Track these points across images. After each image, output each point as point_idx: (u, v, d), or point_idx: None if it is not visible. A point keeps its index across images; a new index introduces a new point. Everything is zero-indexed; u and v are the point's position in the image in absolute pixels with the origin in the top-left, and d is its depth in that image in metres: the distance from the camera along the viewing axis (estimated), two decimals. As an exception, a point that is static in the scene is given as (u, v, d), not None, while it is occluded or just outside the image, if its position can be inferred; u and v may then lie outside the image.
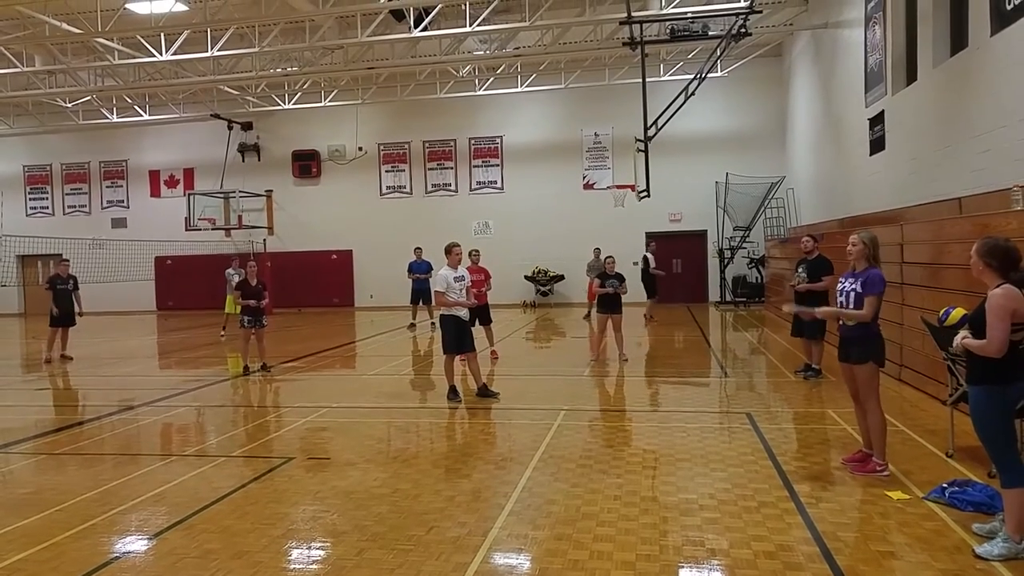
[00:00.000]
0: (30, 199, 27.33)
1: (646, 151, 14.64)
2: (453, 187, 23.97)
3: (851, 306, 5.60)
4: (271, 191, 24.95)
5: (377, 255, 23.74)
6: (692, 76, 15.65)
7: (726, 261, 21.05)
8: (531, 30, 16.05)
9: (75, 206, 27.04)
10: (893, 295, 9.06)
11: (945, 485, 5.12)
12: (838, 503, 5.13)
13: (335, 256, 24.68)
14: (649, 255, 18.33)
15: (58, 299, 13.96)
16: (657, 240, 20.15)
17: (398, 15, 16.02)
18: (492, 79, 21.33)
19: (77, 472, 6.65)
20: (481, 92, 21.72)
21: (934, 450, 6.27)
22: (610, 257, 11.94)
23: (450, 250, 9.01)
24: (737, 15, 13.80)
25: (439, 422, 8.16)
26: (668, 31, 15.19)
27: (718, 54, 15.61)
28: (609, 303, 11.47)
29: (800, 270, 9.55)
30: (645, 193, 14.96)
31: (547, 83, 21.41)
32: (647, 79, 15.06)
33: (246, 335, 11.73)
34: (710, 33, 14.81)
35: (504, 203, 23.46)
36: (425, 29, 15.58)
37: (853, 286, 5.63)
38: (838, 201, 13.98)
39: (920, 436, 6.72)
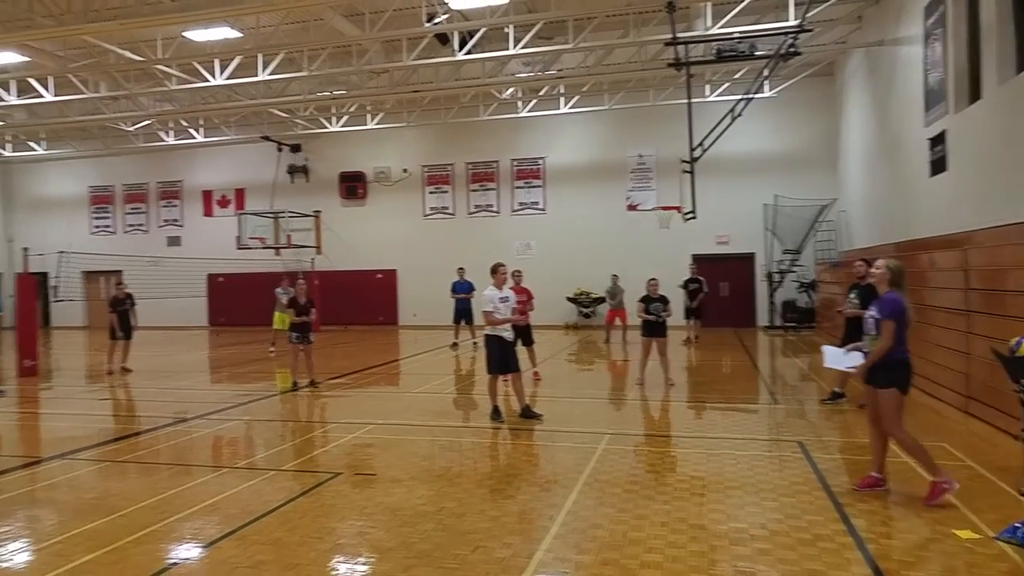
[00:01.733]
0: (94, 218, 28.36)
1: (692, 172, 14.57)
2: (495, 208, 24.16)
3: (873, 332, 5.73)
4: (319, 212, 25.46)
5: (420, 275, 24.00)
6: (739, 97, 15.54)
7: (775, 285, 20.71)
8: (574, 52, 16.17)
9: (134, 225, 27.97)
10: (957, 322, 8.82)
11: (1018, 524, 4.87)
12: (901, 540, 4.98)
13: (380, 276, 25.03)
14: (701, 279, 18.10)
15: (120, 319, 14.63)
16: (704, 263, 19.93)
17: (443, 39, 16.31)
18: (535, 101, 21.51)
19: (137, 480, 6.90)
20: (524, 114, 21.92)
21: (1005, 487, 6.00)
22: (654, 279, 11.70)
23: (496, 270, 9.11)
24: (786, 34, 13.63)
25: (482, 442, 8.22)
26: (714, 51, 15.09)
27: (766, 74, 15.48)
28: (652, 327, 11.40)
29: (852, 295, 9.37)
30: (691, 215, 14.87)
31: (590, 104, 21.50)
32: (693, 100, 15.03)
33: (295, 351, 12.01)
34: (758, 53, 14.64)
35: (546, 224, 23.55)
36: (469, 52, 15.84)
37: (872, 312, 5.78)
38: (895, 224, 13.63)
39: (990, 473, 6.44)
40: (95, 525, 5.48)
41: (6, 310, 12.41)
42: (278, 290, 17.64)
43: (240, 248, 24.22)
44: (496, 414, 8.98)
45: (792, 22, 13.56)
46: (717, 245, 21.84)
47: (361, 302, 24.79)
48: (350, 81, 19.15)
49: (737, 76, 19.36)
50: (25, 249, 15.46)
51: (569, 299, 22.59)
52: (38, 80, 18.19)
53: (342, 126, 23.20)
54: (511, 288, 9.52)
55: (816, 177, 20.50)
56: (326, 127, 23.25)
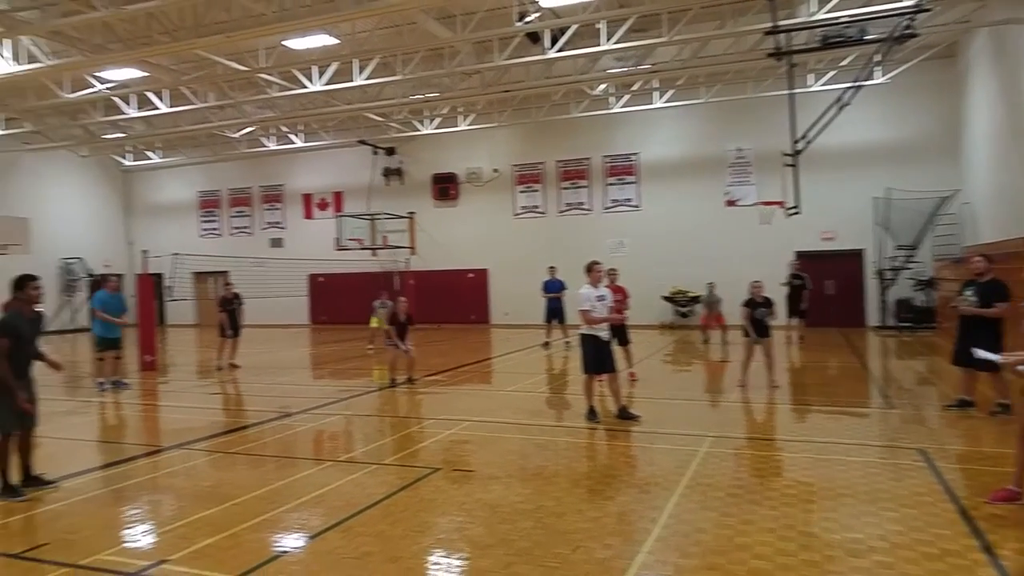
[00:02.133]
0: (202, 221, 29.93)
1: (795, 166, 13.97)
2: (587, 206, 24.00)
3: None
4: (413, 213, 25.96)
5: (512, 274, 24.12)
6: (847, 85, 14.72)
7: (887, 283, 19.62)
8: (669, 45, 15.82)
9: (239, 227, 29.33)
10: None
11: None
12: (1040, 558, 4.56)
13: (471, 275, 25.31)
14: (805, 277, 17.36)
15: (229, 318, 15.33)
16: (808, 260, 19.17)
17: (534, 37, 16.28)
18: (628, 96, 21.21)
19: (247, 470, 7.21)
20: (616, 110, 21.66)
21: None
22: (757, 282, 11.21)
23: (591, 268, 8.97)
24: (902, 15, 12.69)
25: (578, 442, 8.14)
26: (819, 38, 14.38)
27: (877, 59, 14.59)
28: (757, 328, 11.02)
29: (968, 292, 8.73)
30: (795, 210, 14.25)
31: (685, 98, 21.02)
32: (795, 90, 14.41)
33: (395, 351, 12.29)
34: (868, 37, 13.76)
35: (640, 221, 23.20)
36: (561, 50, 15.77)
37: None
38: (1032, 215, 12.62)
39: None
40: (212, 512, 5.74)
41: (128, 309, 13.39)
42: (376, 303, 18.00)
43: (339, 249, 24.96)
44: (592, 414, 8.87)
45: (909, 1, 12.66)
46: (822, 242, 20.90)
47: (453, 301, 25.14)
48: (442, 83, 19.42)
49: (844, 63, 18.46)
50: (144, 251, 16.40)
51: (665, 298, 22.19)
52: (154, 93, 19.32)
53: (435, 128, 23.59)
54: (606, 287, 9.36)
55: (933, 168, 19.33)
56: (419, 129, 23.69)
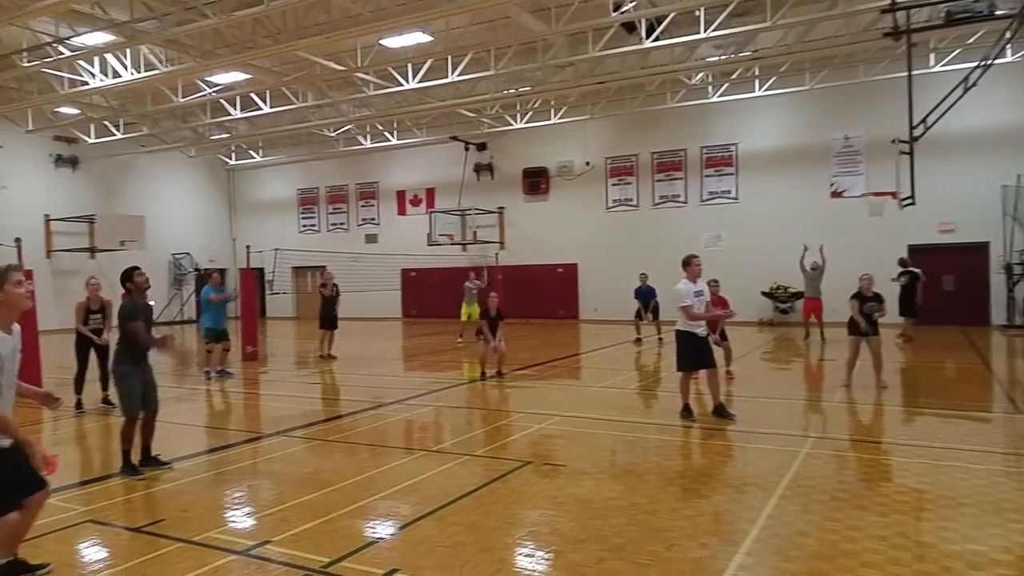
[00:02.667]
0: (302, 218, 31.05)
1: (911, 153, 13.12)
2: (683, 198, 23.48)
3: None
4: (503, 207, 26.13)
5: (602, 268, 23.90)
6: (973, 64, 13.66)
7: (1016, 278, 18.27)
8: (772, 30, 15.22)
9: (336, 223, 30.27)
10: None
11: None
12: None
13: (561, 270, 25.22)
14: (918, 271, 16.36)
15: (326, 306, 15.91)
16: (923, 254, 18.09)
17: (629, 27, 16.04)
18: (726, 85, 20.61)
19: (344, 458, 7.40)
20: (715, 99, 21.09)
21: None
22: (867, 275, 10.67)
23: (689, 262, 8.63)
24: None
25: (672, 439, 7.95)
26: (943, 15, 13.40)
27: (1008, 36, 13.52)
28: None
29: None
30: (909, 201, 13.38)
31: (789, 85, 20.17)
32: (913, 72, 13.54)
33: (485, 346, 12.34)
34: (999, 12, 12.69)
35: (738, 214, 22.51)
36: (657, 39, 15.46)
37: None
38: None
39: None
40: (311, 497, 5.90)
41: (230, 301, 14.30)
42: (467, 284, 18.26)
43: (430, 244, 25.42)
44: (687, 412, 8.64)
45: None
46: (940, 234, 19.62)
47: (542, 296, 25.11)
48: (535, 77, 19.41)
49: (971, 41, 17.26)
50: (248, 247, 17.13)
51: (764, 294, 21.48)
52: (257, 94, 20.14)
53: (526, 122, 23.63)
54: (710, 300, 9.03)
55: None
56: (511, 124, 23.79)
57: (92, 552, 4.94)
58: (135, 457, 6.73)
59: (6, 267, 4.09)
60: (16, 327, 4.18)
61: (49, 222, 24.42)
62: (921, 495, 5.71)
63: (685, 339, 8.58)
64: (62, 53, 16.14)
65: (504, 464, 6.81)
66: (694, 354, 8.54)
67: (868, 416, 9.17)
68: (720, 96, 21.00)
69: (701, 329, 8.61)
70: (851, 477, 6.33)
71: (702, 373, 8.90)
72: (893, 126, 14.54)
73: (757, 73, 19.99)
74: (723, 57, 17.59)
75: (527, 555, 4.69)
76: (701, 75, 20.19)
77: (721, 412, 8.57)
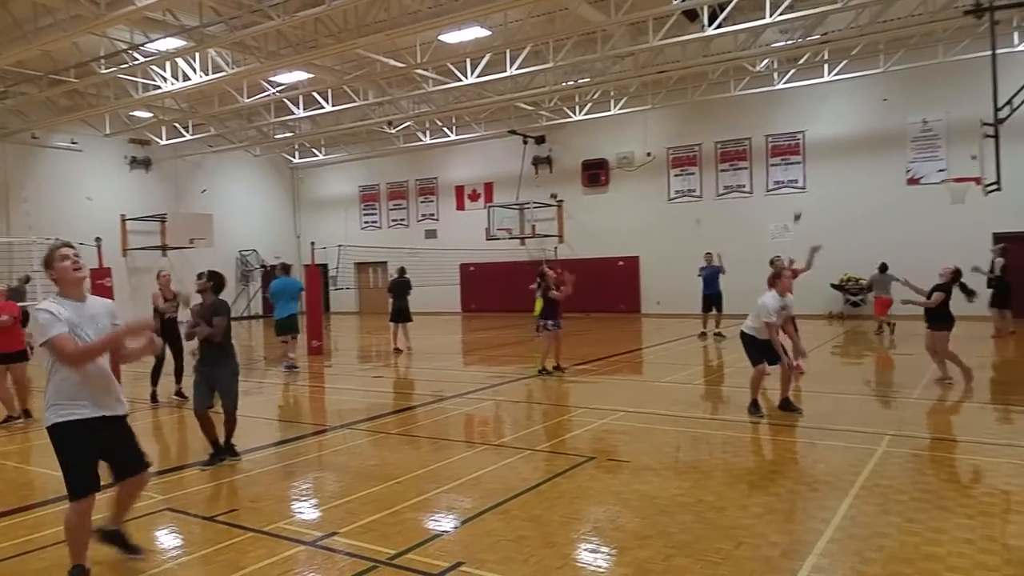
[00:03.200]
0: (363, 214, 31.52)
1: (996, 136, 12.44)
2: (747, 188, 22.93)
3: None
4: (562, 201, 25.99)
5: (664, 261, 23.55)
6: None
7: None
8: (843, 12, 14.66)
9: (396, 220, 30.62)
10: None
11: None
12: None
13: (622, 263, 24.95)
14: (999, 261, 15.49)
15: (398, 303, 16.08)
16: (1012, 242, 17.14)
17: (691, 15, 15.71)
18: (793, 70, 19.99)
19: (407, 451, 7.46)
20: (780, 86, 20.48)
21: None
22: (951, 267, 10.13)
23: (779, 276, 8.51)
24: None
25: (738, 435, 7.75)
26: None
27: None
28: (938, 318, 10.01)
29: None
30: (995, 186, 12.70)
31: (860, 68, 19.36)
32: (997, 50, 12.83)
33: (550, 338, 12.22)
34: None
35: (806, 203, 21.73)
36: (720, 26, 15.10)
37: None
38: None
39: None
40: (376, 489, 5.97)
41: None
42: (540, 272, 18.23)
43: (489, 239, 25.48)
44: (755, 408, 8.40)
45: None
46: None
47: (602, 289, 24.79)
48: (594, 68, 19.22)
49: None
50: (312, 243, 17.46)
51: (834, 286, 20.79)
52: (319, 93, 20.50)
53: (585, 114, 23.43)
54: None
55: None
56: (570, 116, 23.61)
57: (170, 539, 5.11)
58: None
59: (51, 249, 4.17)
60: (100, 300, 4.36)
61: (125, 221, 25.38)
62: (1009, 497, 5.42)
63: (749, 340, 8.47)
64: (136, 59, 16.71)
65: (567, 459, 6.75)
66: (760, 351, 8.37)
67: (950, 413, 8.77)
68: (786, 83, 20.40)
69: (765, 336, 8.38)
70: (933, 477, 6.05)
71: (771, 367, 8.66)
72: (975, 108, 13.86)
73: (826, 57, 19.32)
74: (790, 42, 17.05)
75: (592, 550, 4.63)
76: (766, 61, 19.65)
77: (787, 406, 8.38)
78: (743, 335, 8.53)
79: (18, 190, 22.59)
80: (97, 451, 4.12)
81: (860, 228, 20.45)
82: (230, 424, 6.95)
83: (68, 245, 4.23)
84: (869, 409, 9.09)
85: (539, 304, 17.67)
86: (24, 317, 9.79)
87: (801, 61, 19.46)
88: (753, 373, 8.44)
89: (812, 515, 5.17)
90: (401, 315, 16.11)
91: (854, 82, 20.02)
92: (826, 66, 19.58)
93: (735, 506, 5.31)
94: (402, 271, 16.62)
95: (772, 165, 22.45)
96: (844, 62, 19.29)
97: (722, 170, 23.27)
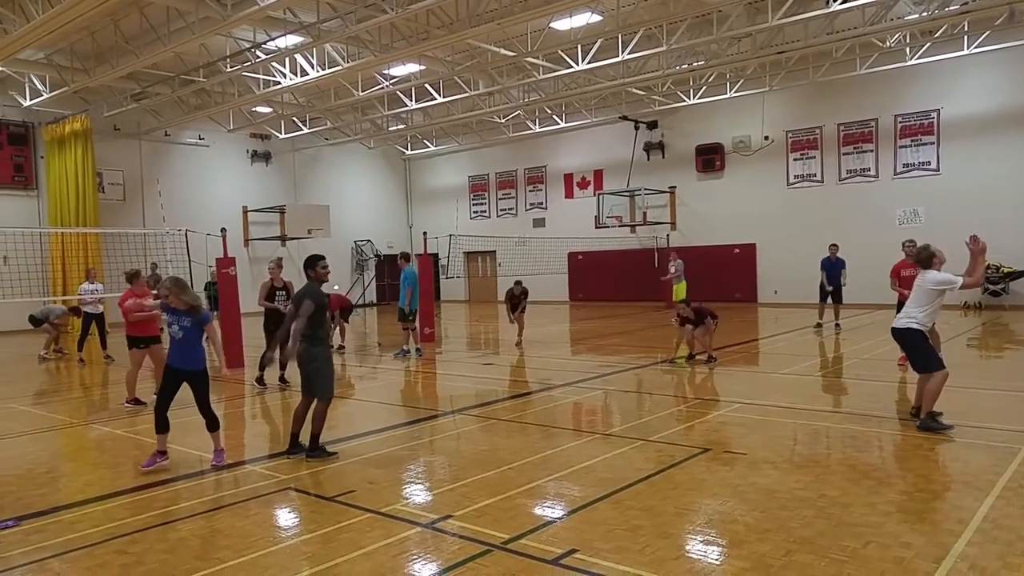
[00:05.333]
0: (473, 204, 31.97)
1: None
2: (873, 172, 21.67)
3: None
4: (674, 187, 25.43)
5: (783, 249, 22.65)
6: None
7: None
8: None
9: (505, 209, 30.88)
10: None
11: None
12: None
13: (737, 250, 24.17)
14: None
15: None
16: None
17: (813, -9, 14.99)
18: (928, 45, 18.67)
19: (519, 438, 7.49)
20: (912, 62, 19.18)
21: None
22: None
23: (931, 259, 7.42)
24: None
25: (862, 430, 7.34)
26: None
27: None
28: None
29: None
30: None
31: (1005, 39, 17.86)
32: None
33: (688, 330, 12.01)
34: None
35: (940, 186, 20.42)
36: (846, 1, 14.29)
37: None
38: None
39: None
40: (490, 474, 6.04)
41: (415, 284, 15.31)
42: (671, 264, 18.05)
43: (598, 227, 25.26)
44: (935, 420, 7.09)
45: None
46: None
47: (717, 278, 24.11)
48: (709, 50, 18.64)
49: None
50: (424, 233, 17.85)
51: (972, 274, 19.40)
52: (431, 85, 20.90)
53: (699, 98, 22.81)
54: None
55: None
56: (684, 100, 23.05)
57: (292, 517, 5.33)
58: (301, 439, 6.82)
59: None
60: None
61: (246, 213, 26.81)
62: None
63: (922, 336, 7.24)
64: (258, 57, 17.58)
65: (681, 450, 6.61)
66: (934, 351, 7.29)
67: (1106, 412, 8.00)
68: (919, 58, 19.08)
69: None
70: (1089, 481, 5.53)
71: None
72: None
73: (966, 29, 17.93)
74: (924, 15, 15.91)
75: (708, 542, 4.51)
76: (898, 36, 18.43)
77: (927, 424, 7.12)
78: (905, 332, 7.24)
79: (153, 184, 24.29)
80: None
81: (1001, 212, 18.90)
82: (314, 419, 6.69)
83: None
84: (1012, 406, 8.40)
85: (681, 288, 17.45)
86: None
87: (937, 34, 18.14)
88: (935, 380, 7.10)
89: (948, 515, 4.87)
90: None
91: (998, 55, 18.49)
92: (966, 38, 18.17)
93: (861, 503, 5.05)
94: (519, 283, 16.30)
95: (901, 147, 21.11)
96: (987, 33, 17.82)
97: (845, 153, 22.10)
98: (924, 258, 7.40)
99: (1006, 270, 18.72)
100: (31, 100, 20.68)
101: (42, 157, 22.34)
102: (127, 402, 9.58)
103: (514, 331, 15.60)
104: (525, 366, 12.91)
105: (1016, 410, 8.20)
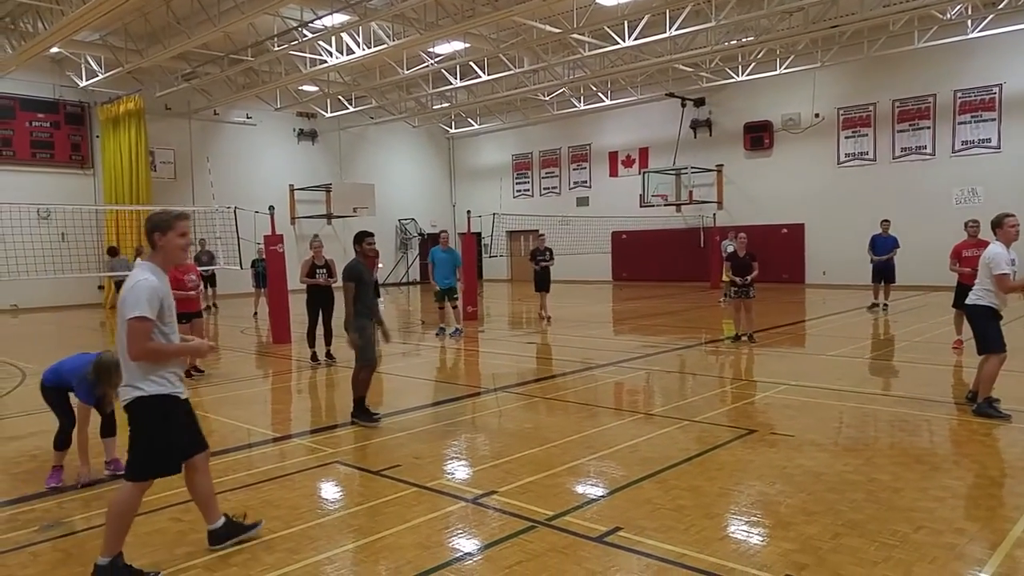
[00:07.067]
0: (516, 183, 31.89)
1: None
2: (929, 150, 20.99)
3: None
4: (721, 165, 25.00)
5: (832, 229, 22.15)
6: None
7: None
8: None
9: (548, 188, 30.73)
10: None
11: None
12: None
13: (785, 230, 23.71)
14: None
15: (538, 272, 16.06)
16: None
17: (870, -38, 14.47)
18: (991, 16, 17.92)
19: (562, 416, 7.52)
20: (974, 35, 18.43)
21: None
22: None
23: (1001, 222, 6.94)
24: None
25: (914, 413, 7.18)
26: None
27: None
28: None
29: None
30: None
31: (1071, 10, 17.16)
32: None
33: (736, 305, 12.19)
34: None
35: (1001, 164, 19.69)
36: (903, -29, 13.80)
37: None
38: None
39: None
40: (534, 451, 6.07)
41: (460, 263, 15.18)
42: (724, 242, 17.94)
43: (643, 206, 25.00)
44: (992, 406, 6.81)
45: None
46: None
47: (764, 258, 23.37)
48: (759, 26, 18.19)
49: None
50: (468, 212, 17.89)
51: (1034, 255, 18.74)
52: (475, 63, 20.81)
53: (748, 74, 22.30)
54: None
55: None
56: (732, 77, 22.56)
57: (339, 490, 5.44)
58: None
59: (176, 214, 4.01)
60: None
61: (293, 191, 27.17)
62: None
63: (991, 314, 6.86)
64: (305, 35, 17.70)
65: (726, 431, 6.55)
66: (1000, 333, 6.93)
67: None
68: (981, 31, 18.33)
69: (1001, 303, 6.92)
70: None
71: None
72: None
73: (1031, -1, 17.19)
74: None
75: (754, 523, 4.47)
76: (959, 8, 17.73)
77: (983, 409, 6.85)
78: (976, 308, 6.90)
79: (202, 162, 24.77)
80: None
81: (1064, 192, 18.20)
82: (354, 385, 7.18)
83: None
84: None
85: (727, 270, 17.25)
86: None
87: (1001, 5, 17.42)
88: (991, 363, 6.83)
89: (1004, 502, 4.76)
90: (546, 285, 16.15)
91: (1064, 26, 17.67)
92: (1032, 8, 17.42)
93: (913, 488, 4.95)
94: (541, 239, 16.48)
95: (960, 123, 20.40)
96: (1053, 4, 17.06)
97: (899, 131, 21.44)
98: (995, 220, 7.04)
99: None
100: (87, 81, 21.19)
101: (97, 136, 22.93)
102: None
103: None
104: (567, 345, 12.89)
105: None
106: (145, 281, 3.79)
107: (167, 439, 3.91)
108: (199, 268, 11.20)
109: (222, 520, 4.22)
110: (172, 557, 4.16)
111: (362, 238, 7.30)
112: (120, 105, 22.35)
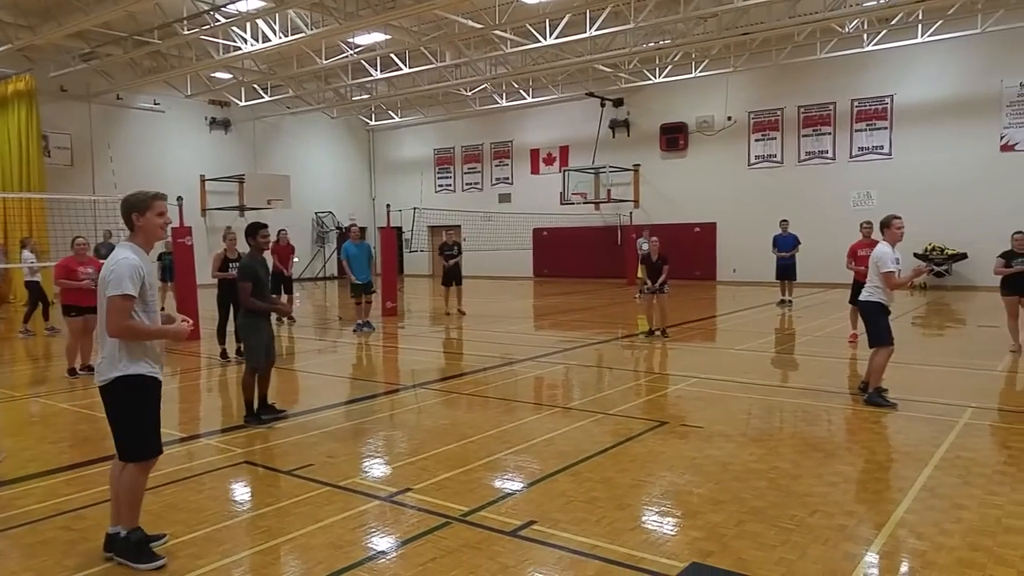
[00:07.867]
0: (438, 178, 31.72)
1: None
2: (830, 154, 22.08)
3: None
4: (638, 165, 25.57)
5: (742, 228, 22.98)
6: None
7: None
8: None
9: (471, 183, 30.71)
10: None
11: None
12: None
13: (698, 229, 24.46)
14: None
15: (448, 267, 16.21)
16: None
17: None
18: (884, 32, 19.02)
19: (480, 412, 7.57)
20: (869, 48, 19.54)
21: None
22: (1019, 232, 10.04)
23: (889, 223, 7.37)
24: None
25: (813, 404, 7.56)
26: None
27: None
28: (1017, 284, 9.91)
29: None
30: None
31: (956, 29, 18.32)
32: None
33: (649, 301, 12.51)
34: None
35: (891, 170, 20.93)
36: (810, -17, 14.44)
37: None
38: None
39: None
40: (450, 448, 6.08)
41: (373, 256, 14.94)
42: (639, 240, 18.37)
43: (563, 203, 25.31)
44: (881, 396, 7.26)
45: None
46: None
47: (678, 256, 24.05)
48: (676, 29, 18.70)
49: None
50: (388, 205, 17.69)
51: (917, 255, 19.93)
52: (396, 55, 20.59)
53: (665, 77, 22.88)
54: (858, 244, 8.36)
55: None
56: (649, 79, 23.10)
57: (247, 491, 5.30)
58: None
59: (153, 194, 4.06)
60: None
61: (204, 182, 26.21)
62: (1106, 477, 5.15)
63: (877, 309, 7.32)
64: (218, 20, 17.09)
65: (639, 424, 6.74)
66: (887, 327, 7.34)
67: (1041, 390, 8.37)
68: (875, 44, 19.45)
69: (890, 299, 7.41)
70: (1018, 450, 5.80)
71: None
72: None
73: (920, 17, 18.31)
74: (883, 1, 16.17)
75: (664, 513, 4.63)
76: (856, 22, 18.72)
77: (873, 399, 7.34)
78: (868, 304, 7.33)
79: (104, 150, 23.57)
80: None
81: (948, 196, 19.60)
82: (269, 378, 7.16)
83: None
84: (952, 381, 8.72)
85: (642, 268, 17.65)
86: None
87: (894, 22, 18.50)
88: (880, 355, 7.26)
89: (889, 485, 5.11)
90: (456, 279, 16.33)
91: (949, 43, 19.00)
92: (920, 27, 18.58)
93: (810, 474, 5.23)
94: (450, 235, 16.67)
95: (857, 131, 21.56)
96: (939, 22, 18.28)
97: (804, 135, 22.48)
98: (883, 221, 7.52)
99: (950, 252, 19.43)
100: (-30, 58, 19.84)
101: (-19, 118, 21.43)
102: (68, 372, 9.52)
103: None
104: (487, 341, 12.95)
105: (955, 385, 8.49)
106: (126, 260, 3.86)
107: (156, 417, 4.01)
108: (100, 261, 10.69)
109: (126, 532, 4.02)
110: (62, 568, 3.95)
111: (256, 230, 7.01)
112: (8, 85, 20.89)
